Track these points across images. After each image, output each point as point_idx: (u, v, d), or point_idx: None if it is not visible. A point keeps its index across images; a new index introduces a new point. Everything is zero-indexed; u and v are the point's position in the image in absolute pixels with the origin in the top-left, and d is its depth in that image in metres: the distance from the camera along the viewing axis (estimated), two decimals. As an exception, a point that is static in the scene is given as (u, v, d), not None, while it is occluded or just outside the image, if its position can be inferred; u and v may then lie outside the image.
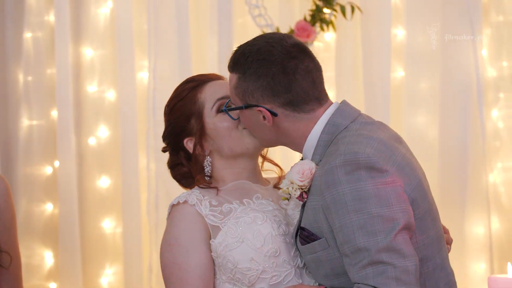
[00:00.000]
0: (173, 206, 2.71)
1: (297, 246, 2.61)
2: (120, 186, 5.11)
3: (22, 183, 5.22)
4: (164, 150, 2.88)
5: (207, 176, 2.78)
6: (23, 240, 5.03)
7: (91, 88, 5.20)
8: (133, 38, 5.08)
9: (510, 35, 4.75)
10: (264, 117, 2.57)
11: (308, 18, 4.84)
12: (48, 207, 5.26)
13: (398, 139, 2.60)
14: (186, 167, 2.81)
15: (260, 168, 2.85)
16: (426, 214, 2.52)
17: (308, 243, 2.53)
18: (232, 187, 2.76)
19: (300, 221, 2.57)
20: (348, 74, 4.88)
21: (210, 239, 2.66)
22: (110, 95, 5.18)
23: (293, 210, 2.73)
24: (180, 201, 2.69)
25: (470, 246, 4.70)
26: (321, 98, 2.57)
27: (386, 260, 2.35)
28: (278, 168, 2.88)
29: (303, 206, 2.57)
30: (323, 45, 4.95)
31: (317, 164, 2.54)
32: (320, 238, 2.50)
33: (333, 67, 4.90)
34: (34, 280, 5.21)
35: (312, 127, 2.56)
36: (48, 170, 5.27)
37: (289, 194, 2.57)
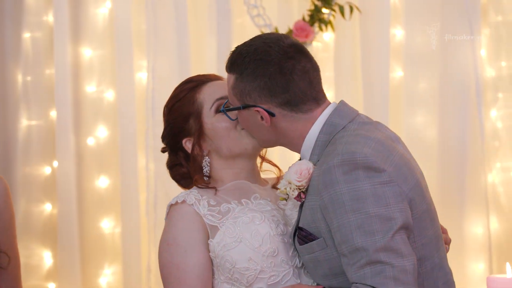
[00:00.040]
0: (171, 206, 2.71)
1: (295, 246, 2.61)
2: (119, 186, 5.10)
3: (21, 183, 5.22)
4: (163, 151, 2.88)
5: (206, 176, 2.78)
6: (22, 240, 5.03)
7: (90, 88, 5.19)
8: (132, 38, 5.08)
9: (509, 35, 4.75)
10: (261, 117, 2.57)
11: (307, 18, 4.84)
12: (47, 207, 5.26)
13: (396, 139, 2.61)
14: (185, 167, 2.81)
15: (258, 168, 2.85)
16: (424, 213, 2.52)
17: (306, 243, 2.53)
18: (231, 187, 2.76)
19: (298, 221, 2.57)
20: (347, 74, 4.88)
21: (209, 239, 2.66)
22: (109, 95, 5.18)
23: (291, 210, 2.73)
24: (179, 201, 2.69)
25: (469, 246, 4.71)
26: (318, 98, 2.58)
27: (384, 260, 2.35)
28: (277, 169, 2.89)
29: (301, 206, 2.57)
30: (322, 45, 4.96)
31: (315, 164, 2.54)
32: (318, 238, 2.50)
33: (332, 67, 4.90)
34: (33, 280, 5.21)
35: (310, 127, 2.56)
36: (47, 170, 5.27)
37: (287, 194, 2.57)
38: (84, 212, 5.17)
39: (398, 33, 4.87)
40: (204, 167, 2.78)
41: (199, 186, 2.75)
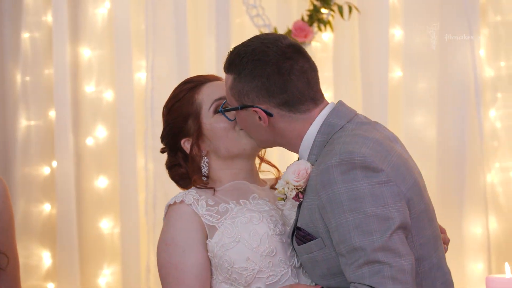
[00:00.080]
0: (169, 206, 2.72)
1: (293, 246, 2.61)
2: (118, 186, 5.11)
3: (20, 183, 5.22)
4: (162, 151, 2.89)
5: (204, 176, 2.78)
6: (21, 240, 5.03)
7: (89, 88, 5.19)
8: (131, 38, 5.08)
9: (508, 35, 4.75)
10: (259, 117, 2.57)
11: (306, 18, 4.84)
12: (46, 207, 5.26)
13: (394, 139, 2.61)
14: (184, 167, 2.81)
15: (257, 169, 2.85)
16: (422, 213, 2.52)
17: (305, 243, 2.53)
18: (229, 188, 2.76)
19: (296, 221, 2.57)
20: (346, 74, 4.88)
21: (207, 239, 2.66)
22: (108, 95, 5.18)
23: (290, 210, 2.73)
24: (177, 201, 2.69)
25: (468, 246, 4.71)
26: (316, 98, 2.58)
27: (382, 260, 2.35)
28: (276, 169, 2.89)
29: (299, 206, 2.57)
30: (321, 45, 4.96)
31: (313, 164, 2.54)
32: (316, 238, 2.50)
33: (330, 67, 4.90)
34: (32, 281, 5.21)
35: (308, 128, 2.56)
36: (46, 170, 5.27)
37: (285, 194, 2.57)
38: (83, 212, 5.18)
39: (397, 33, 4.87)
40: (202, 168, 2.78)
41: (198, 186, 2.75)
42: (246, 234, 2.63)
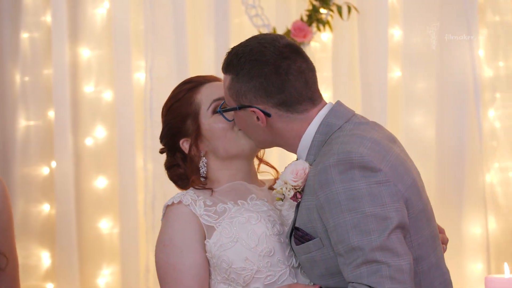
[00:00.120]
0: (167, 207, 2.72)
1: (291, 246, 2.61)
2: (117, 186, 5.10)
3: (19, 183, 5.22)
4: (161, 152, 2.89)
5: (203, 177, 2.78)
6: (20, 240, 5.03)
7: (88, 88, 5.19)
8: (130, 38, 5.08)
9: (507, 35, 4.75)
10: (257, 118, 2.57)
11: (305, 18, 4.84)
12: (45, 208, 5.26)
13: (392, 139, 2.61)
14: (182, 168, 2.81)
15: (255, 169, 2.85)
16: (420, 213, 2.52)
17: (303, 243, 2.53)
18: (227, 188, 2.76)
19: (294, 221, 2.58)
20: (345, 74, 4.88)
21: (205, 239, 2.66)
22: (107, 95, 5.18)
23: (288, 210, 2.73)
24: (175, 202, 2.70)
25: (467, 246, 4.71)
26: (314, 98, 2.58)
27: (380, 259, 2.35)
28: (274, 170, 2.89)
29: (297, 206, 2.57)
30: (320, 45, 4.96)
31: (311, 164, 2.54)
32: (314, 238, 2.50)
33: (329, 67, 4.91)
34: (31, 281, 5.21)
35: (306, 128, 2.56)
36: (45, 170, 5.27)
37: (283, 194, 2.58)
38: (82, 212, 5.17)
39: (396, 33, 4.88)
40: (201, 168, 2.78)
41: (196, 187, 2.75)
42: (244, 234, 2.63)
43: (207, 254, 2.66)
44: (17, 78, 5.24)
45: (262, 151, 2.85)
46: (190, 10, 5.03)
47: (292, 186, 2.54)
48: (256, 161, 2.86)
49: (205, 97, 2.77)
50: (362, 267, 2.36)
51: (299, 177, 2.53)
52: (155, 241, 2.64)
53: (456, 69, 4.71)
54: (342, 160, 2.41)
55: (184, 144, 2.79)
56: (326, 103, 2.60)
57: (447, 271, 2.62)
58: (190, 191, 2.72)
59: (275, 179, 2.84)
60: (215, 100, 2.76)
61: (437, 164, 4.75)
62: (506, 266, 3.05)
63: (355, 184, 2.39)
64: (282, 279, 2.65)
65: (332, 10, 4.82)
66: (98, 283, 5.19)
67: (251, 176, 2.81)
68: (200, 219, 2.67)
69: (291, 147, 2.61)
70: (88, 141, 5.19)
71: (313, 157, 2.55)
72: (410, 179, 2.51)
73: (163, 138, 2.85)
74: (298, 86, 2.54)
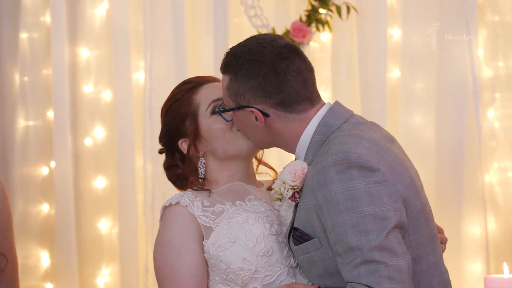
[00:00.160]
0: (165, 208, 2.72)
1: (290, 246, 2.61)
2: (116, 186, 5.10)
3: (19, 183, 5.22)
4: (160, 152, 2.89)
5: (201, 178, 2.78)
6: (19, 240, 5.03)
7: (87, 88, 5.19)
8: (129, 39, 5.08)
9: (506, 35, 4.76)
10: (256, 118, 2.57)
11: (304, 18, 4.84)
12: (44, 208, 5.26)
13: (390, 139, 2.61)
14: (181, 168, 2.81)
15: (254, 170, 2.85)
16: (419, 213, 2.52)
17: (301, 243, 2.53)
18: (225, 189, 2.76)
19: (293, 221, 2.58)
20: (344, 74, 4.88)
21: (203, 240, 2.66)
22: (106, 95, 5.18)
23: (286, 211, 2.73)
24: (172, 203, 2.70)
25: (466, 246, 4.71)
26: (313, 98, 2.58)
27: (378, 259, 2.35)
28: (273, 171, 2.89)
29: (296, 206, 2.57)
30: (319, 46, 4.96)
31: (309, 165, 2.54)
32: (313, 238, 2.50)
33: (329, 68, 4.91)
34: (30, 281, 5.21)
35: (305, 128, 2.56)
36: (44, 170, 5.26)
37: (281, 194, 2.58)
38: (82, 212, 5.17)
39: (395, 33, 4.88)
40: (199, 168, 2.78)
41: (194, 188, 2.75)
42: (242, 234, 2.63)
43: (205, 254, 2.66)
44: (16, 78, 5.24)
45: (261, 152, 2.85)
46: (189, 10, 5.03)
47: (291, 186, 2.54)
48: (255, 162, 2.86)
49: (204, 98, 2.77)
50: (360, 267, 2.37)
51: (298, 177, 2.53)
52: (154, 241, 2.65)
53: (455, 69, 4.71)
54: (340, 160, 2.41)
55: (183, 145, 2.79)
56: (324, 104, 2.60)
57: (446, 271, 2.62)
58: (188, 192, 2.73)
59: (274, 180, 2.84)
60: (214, 101, 2.76)
61: (436, 164, 4.75)
62: (505, 266, 3.04)
63: (353, 183, 2.39)
64: (281, 279, 2.65)
65: (331, 10, 4.82)
66: (98, 283, 5.19)
67: (249, 177, 2.81)
68: (198, 219, 2.67)
69: (290, 147, 2.61)
70: (87, 141, 5.19)
71: (311, 157, 2.55)
72: (408, 178, 2.51)
73: (162, 138, 2.85)
74: (296, 86, 2.54)
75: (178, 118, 2.79)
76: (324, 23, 4.84)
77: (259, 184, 2.84)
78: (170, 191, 2.90)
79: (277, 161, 4.48)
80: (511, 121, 4.77)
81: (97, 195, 5.19)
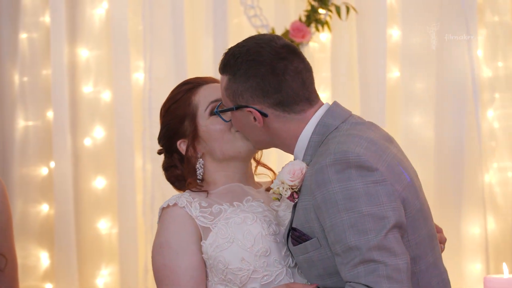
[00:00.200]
0: (163, 209, 2.72)
1: (288, 247, 2.61)
2: (116, 186, 5.10)
3: (18, 184, 5.22)
4: (159, 153, 2.89)
5: (199, 179, 2.78)
6: (18, 241, 5.01)
7: (86, 88, 5.19)
8: (129, 39, 5.07)
9: (506, 35, 4.76)
10: (254, 118, 2.57)
11: (303, 18, 4.84)
12: (44, 208, 5.26)
13: (389, 139, 2.61)
14: (180, 169, 2.81)
15: (252, 171, 2.85)
16: (417, 213, 2.52)
17: (300, 243, 2.53)
18: (223, 191, 2.76)
19: (291, 221, 2.58)
20: (343, 74, 4.88)
21: (201, 240, 2.66)
22: (106, 95, 5.18)
23: (284, 211, 2.73)
24: (170, 204, 2.70)
25: (466, 246, 4.71)
26: (311, 99, 2.58)
27: (377, 259, 2.35)
28: (272, 173, 2.89)
29: (294, 206, 2.57)
30: (319, 46, 4.96)
31: (308, 165, 2.54)
32: (311, 238, 2.50)
33: (328, 68, 4.91)
34: (30, 281, 5.21)
35: (303, 128, 2.56)
36: (43, 170, 5.26)
37: (280, 194, 2.58)
38: (81, 212, 5.17)
39: (394, 33, 4.88)
40: (198, 169, 2.78)
41: (192, 190, 2.75)
42: (240, 234, 2.63)
43: (203, 255, 2.66)
44: (16, 78, 5.24)
45: (259, 153, 2.86)
46: (188, 11, 5.03)
47: (289, 186, 2.54)
48: (253, 163, 2.86)
49: (203, 99, 2.77)
50: (359, 267, 2.37)
51: (296, 177, 2.53)
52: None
53: (455, 69, 4.71)
54: (338, 160, 2.41)
55: (182, 145, 2.79)
56: (323, 104, 2.60)
57: (445, 271, 2.62)
58: (186, 194, 2.73)
59: (272, 181, 2.84)
60: (212, 102, 2.76)
61: (436, 164, 4.75)
62: (505, 266, 3.05)
63: (352, 183, 2.39)
64: (279, 279, 2.65)
65: (330, 11, 4.82)
66: (97, 283, 5.19)
67: (247, 178, 2.81)
68: (196, 220, 2.67)
69: (288, 148, 2.61)
70: (87, 142, 5.19)
71: (310, 157, 2.55)
72: (406, 178, 2.51)
73: (161, 139, 2.85)
74: (295, 86, 2.54)
75: (177, 119, 2.79)
76: (323, 23, 4.83)
77: (258, 185, 2.84)
78: (170, 191, 2.90)
79: (277, 162, 4.48)
80: (511, 121, 4.78)
81: (97, 195, 5.18)
